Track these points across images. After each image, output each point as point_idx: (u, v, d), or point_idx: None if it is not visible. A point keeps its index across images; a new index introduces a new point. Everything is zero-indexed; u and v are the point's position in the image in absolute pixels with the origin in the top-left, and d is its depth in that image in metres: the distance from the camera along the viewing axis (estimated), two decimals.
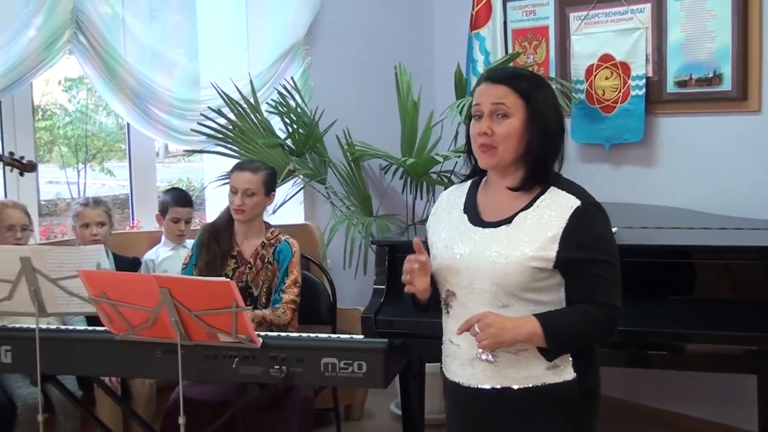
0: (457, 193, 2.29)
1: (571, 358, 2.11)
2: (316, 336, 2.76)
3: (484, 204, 2.21)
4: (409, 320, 3.01)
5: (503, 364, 2.11)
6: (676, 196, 4.02)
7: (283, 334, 2.93)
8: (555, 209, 2.10)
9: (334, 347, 2.64)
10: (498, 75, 2.17)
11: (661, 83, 4.09)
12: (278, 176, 4.12)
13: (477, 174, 2.27)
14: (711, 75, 3.92)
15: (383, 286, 3.29)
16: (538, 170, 2.12)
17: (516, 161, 2.13)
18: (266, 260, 3.41)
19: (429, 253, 2.22)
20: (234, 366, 2.65)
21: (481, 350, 2.10)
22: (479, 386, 2.15)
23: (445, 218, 2.26)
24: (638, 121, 4.14)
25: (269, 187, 3.44)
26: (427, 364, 3.53)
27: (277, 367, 2.62)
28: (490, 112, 2.12)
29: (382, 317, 3.21)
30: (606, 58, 4.23)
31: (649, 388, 4.18)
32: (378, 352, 2.60)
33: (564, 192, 2.12)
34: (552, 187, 2.14)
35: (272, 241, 3.44)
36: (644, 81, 4.11)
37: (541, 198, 2.13)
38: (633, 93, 4.15)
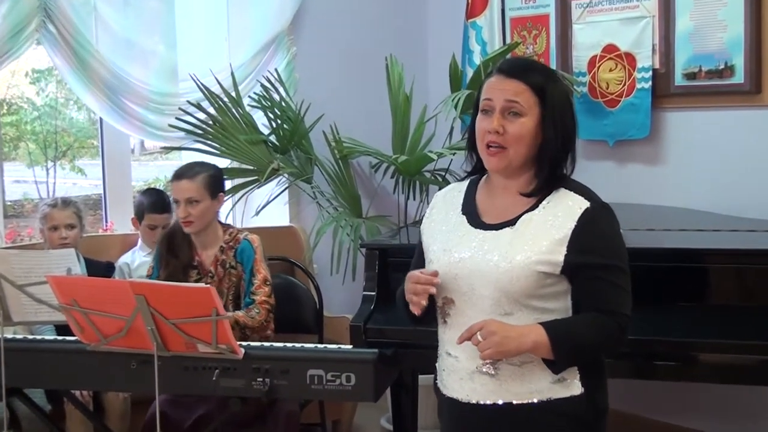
0: (455, 192, 2.28)
1: (578, 372, 2.09)
2: (302, 346, 2.75)
3: (484, 204, 2.20)
4: (401, 329, 3.01)
5: (505, 378, 2.10)
6: (684, 196, 4.02)
7: (266, 344, 2.93)
8: (562, 211, 2.09)
9: (321, 358, 2.64)
10: (512, 68, 2.15)
11: (668, 76, 4.09)
12: (262, 175, 4.14)
13: (477, 172, 2.25)
14: (722, 67, 3.92)
15: (373, 293, 3.28)
16: (552, 173, 2.12)
17: (525, 163, 2.12)
18: (228, 265, 3.37)
19: (424, 258, 2.22)
20: (214, 378, 2.64)
21: (482, 362, 2.09)
22: (479, 402, 2.13)
23: (441, 220, 2.24)
24: (644, 116, 4.14)
25: (214, 189, 3.36)
26: (420, 376, 3.52)
27: (260, 379, 2.62)
28: (502, 109, 2.10)
29: (372, 326, 3.20)
30: (610, 49, 4.24)
31: (657, 400, 4.19)
32: (368, 364, 2.60)
33: (572, 193, 2.12)
34: (561, 189, 2.13)
35: (231, 243, 3.40)
36: (651, 73, 4.11)
37: (548, 199, 2.12)
38: (639, 86, 4.15)
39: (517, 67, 2.15)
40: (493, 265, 2.07)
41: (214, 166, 3.51)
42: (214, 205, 3.38)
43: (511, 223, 2.11)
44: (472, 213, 2.19)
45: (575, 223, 2.07)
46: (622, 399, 4.08)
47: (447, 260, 2.15)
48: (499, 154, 2.11)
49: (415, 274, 2.13)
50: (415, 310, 2.13)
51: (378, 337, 3.15)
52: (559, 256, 2.05)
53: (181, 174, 3.37)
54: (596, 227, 2.08)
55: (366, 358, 2.62)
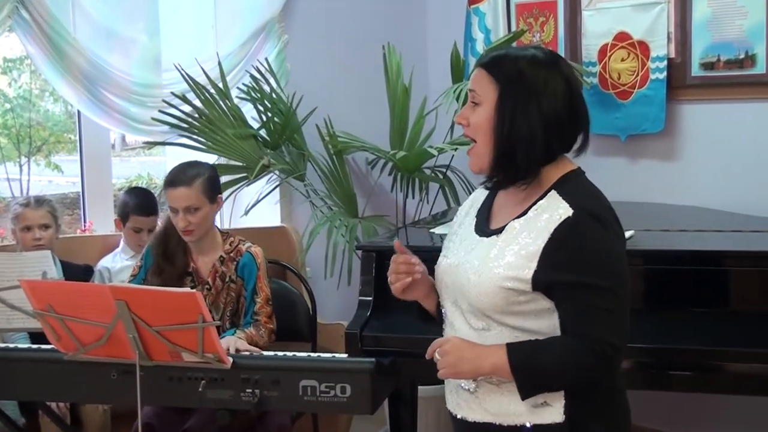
0: (484, 191, 2.25)
1: (564, 397, 2.03)
2: (294, 355, 2.75)
3: (497, 208, 2.18)
4: (400, 337, 3.01)
5: (484, 397, 2.09)
6: (701, 194, 4.03)
7: (255, 352, 2.92)
8: (544, 219, 2.01)
9: (314, 368, 2.64)
10: (484, 57, 2.15)
11: (684, 66, 4.09)
12: (251, 172, 4.13)
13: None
14: (742, 56, 3.92)
15: (370, 298, 3.28)
16: (504, 164, 2.04)
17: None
18: (227, 279, 3.36)
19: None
20: (200, 389, 2.64)
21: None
22: (465, 418, 2.14)
23: (461, 219, 2.26)
24: (658, 109, 4.15)
25: (213, 193, 3.34)
26: (420, 387, 3.52)
27: (249, 390, 2.62)
28: (470, 101, 2.10)
29: (369, 333, 3.20)
30: (622, 37, 4.24)
31: (674, 413, 4.19)
32: (364, 374, 2.60)
33: (560, 198, 2.03)
34: (552, 191, 2.05)
35: (232, 254, 3.38)
36: (665, 63, 4.11)
37: (538, 204, 2.05)
38: (652, 77, 4.15)
39: (486, 56, 2.14)
40: (467, 278, 2.06)
41: (209, 166, 3.48)
42: (213, 209, 3.35)
43: (500, 230, 2.08)
44: (483, 216, 2.18)
45: (550, 235, 1.98)
46: (635, 412, 4.08)
47: (443, 266, 2.18)
48: (472, 152, 2.10)
49: (397, 257, 2.15)
50: (395, 292, 2.16)
51: (375, 345, 3.16)
52: (528, 271, 1.98)
53: (175, 181, 3.30)
54: (574, 240, 1.97)
55: (362, 367, 2.62)
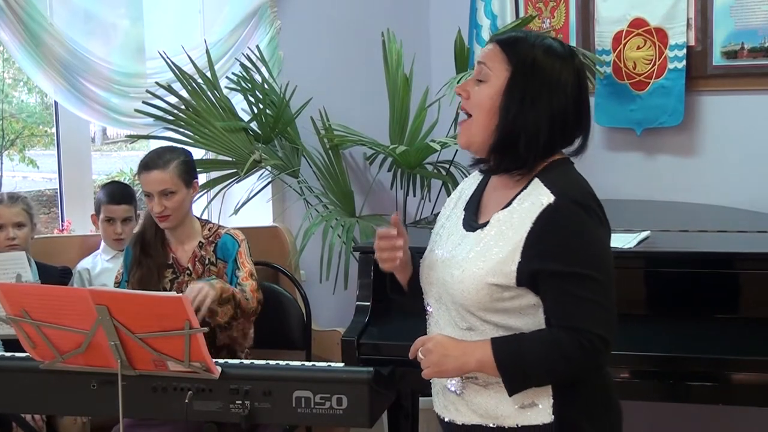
0: (472, 182, 2.30)
1: (552, 396, 2.07)
2: (287, 364, 2.75)
3: (486, 200, 2.22)
4: (399, 345, 2.99)
5: (470, 398, 2.13)
6: (723, 192, 4.03)
7: (246, 362, 2.93)
8: (526, 209, 2.06)
9: (309, 378, 2.64)
10: (501, 34, 2.20)
11: (705, 54, 4.10)
12: (241, 167, 4.14)
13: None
14: (767, 44, 3.93)
15: (368, 303, 3.30)
16: (503, 150, 2.08)
17: (491, 140, 2.11)
18: (207, 261, 3.40)
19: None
20: (187, 401, 2.64)
21: (447, 380, 2.15)
22: (453, 421, 2.19)
23: (449, 212, 2.29)
24: (677, 100, 4.15)
25: (188, 177, 3.41)
26: (420, 398, 3.53)
27: (239, 402, 2.62)
28: (476, 73, 2.13)
29: (367, 341, 3.21)
30: (638, 24, 4.24)
31: (690, 426, 4.19)
32: (362, 384, 2.60)
33: (542, 186, 2.07)
34: (536, 179, 2.09)
35: (211, 238, 3.44)
36: (684, 51, 4.12)
37: (522, 194, 2.10)
38: (671, 66, 4.16)
39: (503, 33, 2.19)
40: (450, 274, 2.10)
41: (185, 150, 3.56)
42: (189, 194, 3.42)
43: (486, 224, 2.12)
44: (471, 208, 2.22)
45: (532, 224, 2.03)
46: (649, 424, 4.09)
47: (427, 263, 2.23)
48: (463, 125, 2.14)
49: (379, 241, 2.19)
50: (384, 266, 2.20)
51: (373, 353, 3.17)
52: (512, 265, 2.03)
53: (150, 164, 3.38)
54: (556, 227, 2.02)
55: (360, 377, 2.62)
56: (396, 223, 2.18)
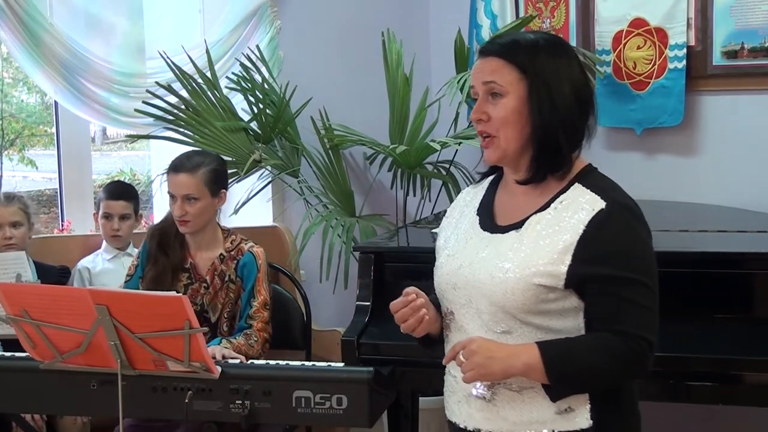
0: (477, 190, 2.29)
1: (589, 401, 2.06)
2: (287, 364, 2.75)
3: (501, 204, 2.20)
4: (400, 344, 3.00)
5: (502, 404, 2.09)
6: (723, 192, 4.03)
7: (246, 362, 2.92)
8: (574, 212, 2.06)
9: (309, 378, 2.64)
10: (491, 46, 2.15)
11: (705, 54, 4.09)
12: (241, 167, 4.13)
13: (496, 170, 2.26)
14: (767, 44, 3.93)
15: (368, 303, 3.29)
16: (547, 155, 2.08)
17: (524, 148, 2.10)
18: (227, 278, 3.37)
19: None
20: (186, 401, 2.64)
21: (477, 385, 2.10)
22: (477, 429, 2.14)
23: (456, 221, 2.27)
24: (677, 100, 4.15)
25: (216, 186, 3.36)
26: (421, 399, 3.52)
27: (239, 402, 2.62)
28: (484, 93, 2.11)
29: (367, 341, 3.20)
30: (638, 23, 4.24)
31: (691, 426, 4.19)
32: (362, 384, 2.60)
33: (587, 190, 2.08)
34: (576, 184, 2.10)
35: (233, 252, 3.40)
36: (685, 51, 4.12)
37: (561, 197, 2.10)
38: (671, 66, 4.15)
39: (494, 44, 2.15)
40: (489, 275, 2.07)
41: (218, 158, 3.51)
42: (214, 203, 3.37)
43: (518, 225, 2.10)
44: (486, 213, 2.20)
45: (584, 228, 2.03)
46: (654, 425, 4.08)
47: (449, 266, 2.18)
48: (490, 144, 2.11)
49: (394, 303, 2.15)
50: (418, 332, 2.16)
51: (373, 353, 3.16)
52: (562, 267, 2.02)
53: (179, 166, 3.35)
54: (610, 232, 2.02)
55: (360, 377, 2.62)
56: (407, 292, 2.16)
